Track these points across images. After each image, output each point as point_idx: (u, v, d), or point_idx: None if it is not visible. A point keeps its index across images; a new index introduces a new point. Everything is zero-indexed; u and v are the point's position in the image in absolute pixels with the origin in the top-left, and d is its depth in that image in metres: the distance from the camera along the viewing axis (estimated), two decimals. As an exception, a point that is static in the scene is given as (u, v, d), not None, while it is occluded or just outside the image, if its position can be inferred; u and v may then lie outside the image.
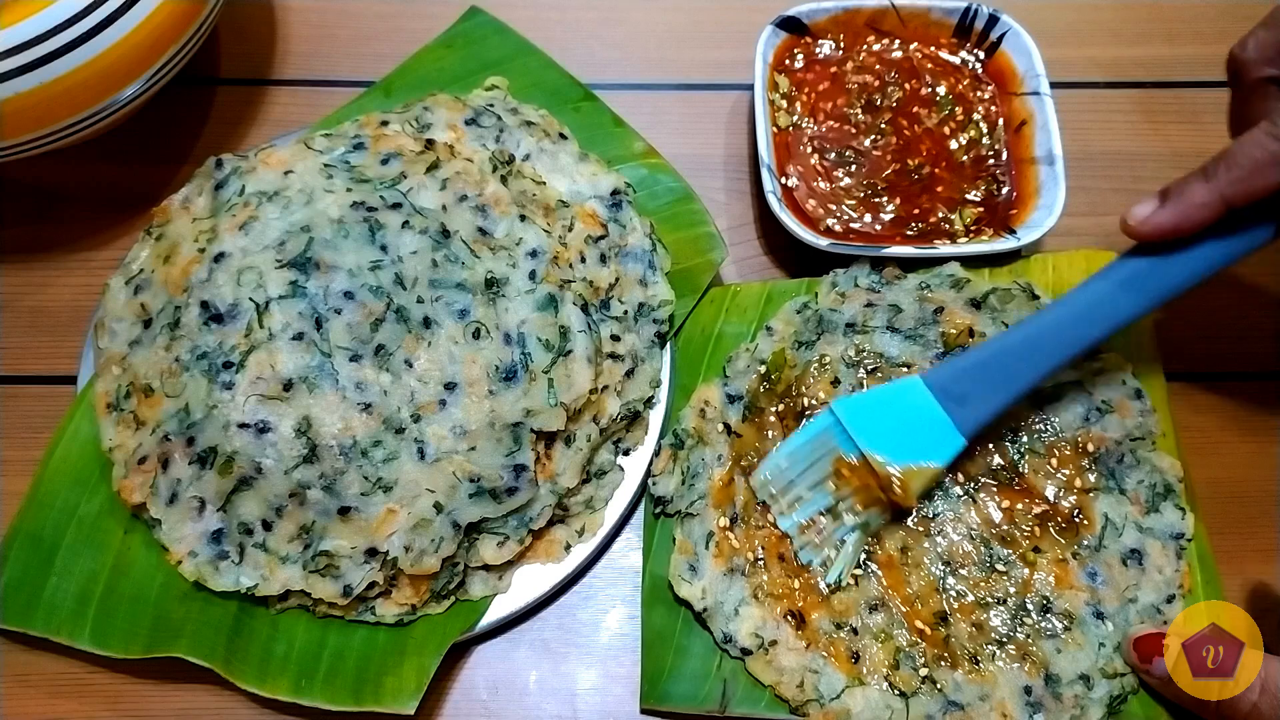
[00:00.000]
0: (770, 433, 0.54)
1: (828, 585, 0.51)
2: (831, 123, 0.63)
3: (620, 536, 0.55)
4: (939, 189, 0.62)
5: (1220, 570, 0.52)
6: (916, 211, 0.61)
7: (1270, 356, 0.60)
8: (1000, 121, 0.63)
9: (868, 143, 0.63)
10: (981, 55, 0.65)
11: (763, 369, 0.56)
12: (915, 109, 0.64)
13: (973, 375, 0.51)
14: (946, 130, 0.63)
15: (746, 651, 0.50)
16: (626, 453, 0.55)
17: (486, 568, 0.51)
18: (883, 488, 0.50)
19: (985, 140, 0.63)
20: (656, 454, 0.55)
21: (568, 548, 0.52)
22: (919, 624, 0.50)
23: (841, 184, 0.62)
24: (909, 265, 0.58)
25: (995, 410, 0.50)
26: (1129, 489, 0.52)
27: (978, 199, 0.61)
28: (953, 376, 0.51)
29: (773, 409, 0.55)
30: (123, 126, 0.59)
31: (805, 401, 0.55)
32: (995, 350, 0.51)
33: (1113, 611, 0.50)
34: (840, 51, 0.65)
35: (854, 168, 0.62)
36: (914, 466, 0.50)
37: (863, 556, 0.51)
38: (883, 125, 0.63)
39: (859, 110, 0.64)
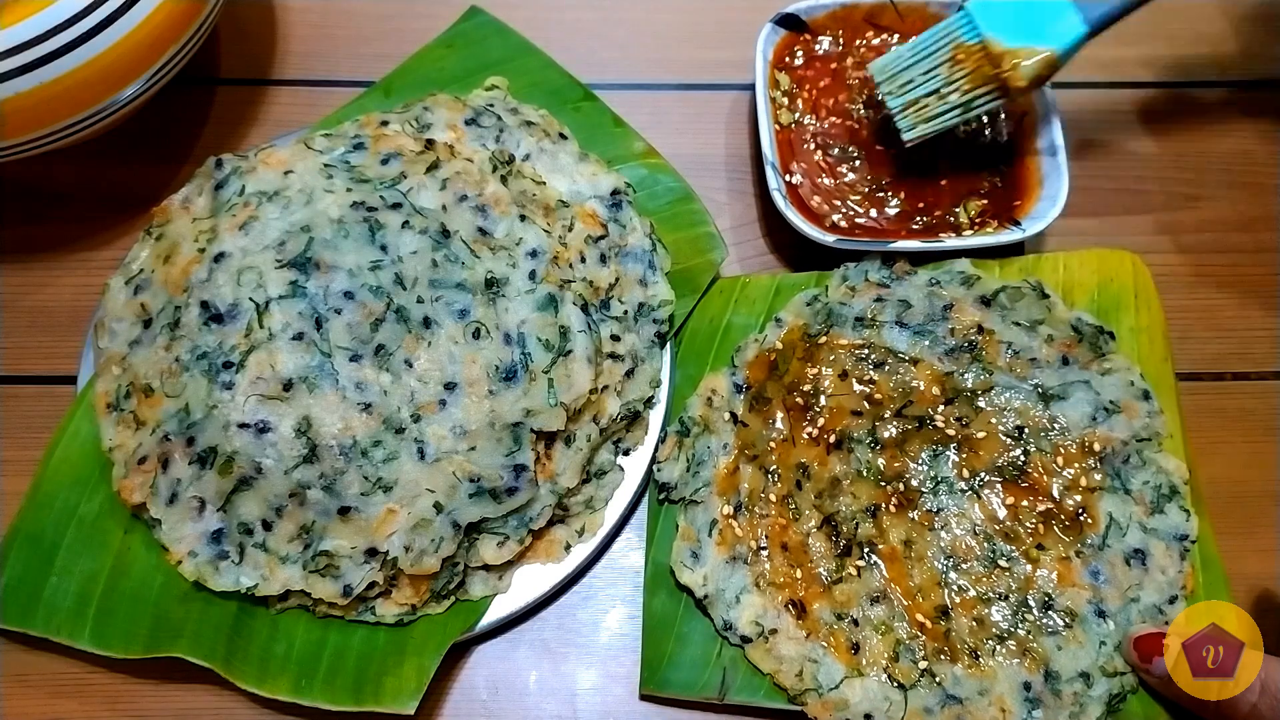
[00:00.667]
0: (776, 423, 0.54)
1: (906, 141, 0.56)
2: (833, 119, 0.63)
3: (620, 536, 0.55)
4: (943, 183, 0.62)
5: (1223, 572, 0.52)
6: (921, 205, 0.61)
7: (1270, 356, 0.60)
8: (1002, 115, 0.63)
9: (865, 139, 0.63)
10: None
11: (771, 359, 0.56)
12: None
13: None
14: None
15: (746, 639, 0.50)
16: (626, 453, 0.55)
17: (486, 568, 0.51)
18: (996, 66, 0.53)
19: (987, 133, 0.63)
20: (662, 441, 0.55)
21: (568, 548, 0.52)
22: (920, 617, 0.50)
23: (845, 179, 0.62)
24: (919, 261, 0.58)
25: (1123, 4, 0.53)
26: (1134, 489, 0.52)
27: (982, 192, 0.61)
28: None
29: (779, 399, 0.55)
30: (123, 126, 0.59)
31: (812, 392, 0.55)
32: None
33: (1114, 610, 0.50)
34: (840, 47, 0.65)
35: (857, 163, 0.62)
36: (1029, 47, 0.53)
37: (866, 548, 0.52)
38: (884, 119, 0.63)
39: (860, 106, 0.64)
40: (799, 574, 0.51)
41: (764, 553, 0.52)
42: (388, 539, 0.48)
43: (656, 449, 0.55)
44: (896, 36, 0.65)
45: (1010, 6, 0.54)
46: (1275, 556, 0.55)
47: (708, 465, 0.53)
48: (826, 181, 0.62)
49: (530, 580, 0.52)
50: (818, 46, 0.65)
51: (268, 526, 0.49)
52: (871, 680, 0.49)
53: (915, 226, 0.60)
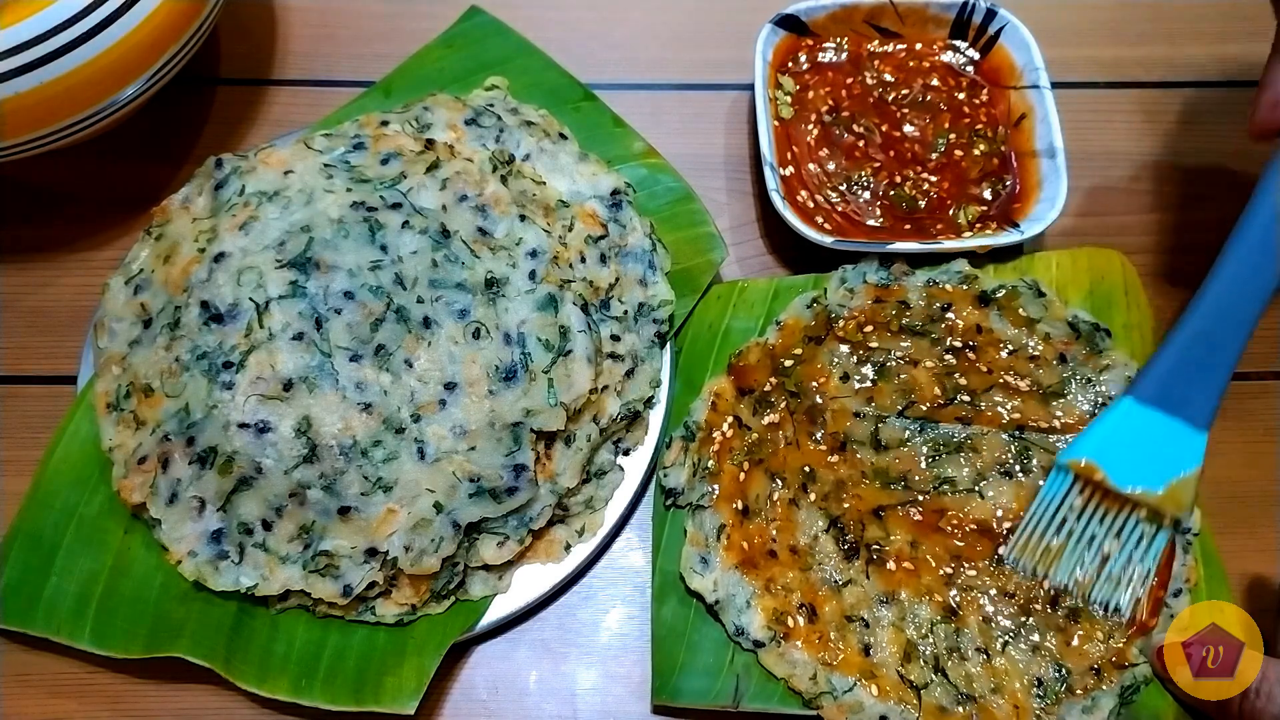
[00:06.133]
0: (780, 426, 0.54)
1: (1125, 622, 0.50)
2: (835, 124, 0.63)
3: (620, 536, 0.55)
4: (944, 185, 0.62)
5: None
6: (921, 205, 0.61)
7: (1270, 356, 0.60)
8: (1000, 126, 0.63)
9: (867, 144, 0.63)
10: (977, 55, 0.65)
11: (772, 362, 0.56)
12: (919, 110, 0.64)
13: (1183, 372, 0.50)
14: (947, 125, 0.63)
15: (759, 644, 0.50)
16: (626, 453, 0.55)
17: (486, 568, 0.51)
18: (1156, 515, 0.50)
19: (989, 136, 0.63)
20: (667, 446, 0.55)
21: (568, 548, 0.52)
22: (930, 616, 0.50)
23: (845, 182, 0.62)
24: (916, 262, 0.58)
25: (1220, 391, 0.50)
26: None
27: (981, 195, 0.61)
28: (1163, 382, 0.50)
29: (782, 403, 0.55)
30: (123, 126, 0.59)
31: (814, 395, 0.55)
32: (1191, 336, 0.50)
33: (1123, 604, 0.50)
34: (844, 54, 0.65)
35: (859, 167, 0.62)
36: (1176, 481, 0.49)
37: (873, 550, 0.52)
38: (886, 126, 0.63)
39: (863, 111, 0.64)
40: (809, 577, 0.51)
41: (774, 556, 0.52)
42: (388, 539, 0.48)
43: (657, 451, 0.55)
44: (902, 47, 0.65)
45: (1115, 452, 0.50)
46: (1275, 556, 0.55)
47: (714, 470, 0.53)
48: (825, 183, 0.62)
49: (530, 580, 0.52)
50: (822, 54, 0.65)
51: (268, 526, 0.49)
52: (885, 681, 0.49)
53: (913, 228, 0.60)
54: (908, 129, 0.63)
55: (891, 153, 0.63)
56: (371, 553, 0.48)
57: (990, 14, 0.64)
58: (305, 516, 0.49)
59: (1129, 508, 0.50)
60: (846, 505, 0.53)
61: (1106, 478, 0.50)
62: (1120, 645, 0.49)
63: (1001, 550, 0.51)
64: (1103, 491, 0.50)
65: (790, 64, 0.65)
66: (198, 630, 0.49)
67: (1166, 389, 0.50)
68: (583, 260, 0.55)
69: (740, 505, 0.53)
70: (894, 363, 0.55)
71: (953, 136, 0.63)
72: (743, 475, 0.53)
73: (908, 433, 0.54)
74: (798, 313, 0.57)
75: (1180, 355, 0.50)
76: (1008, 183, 0.61)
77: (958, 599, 0.50)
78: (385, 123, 0.58)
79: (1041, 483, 0.52)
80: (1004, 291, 0.57)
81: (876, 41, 0.66)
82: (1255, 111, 0.51)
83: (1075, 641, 0.49)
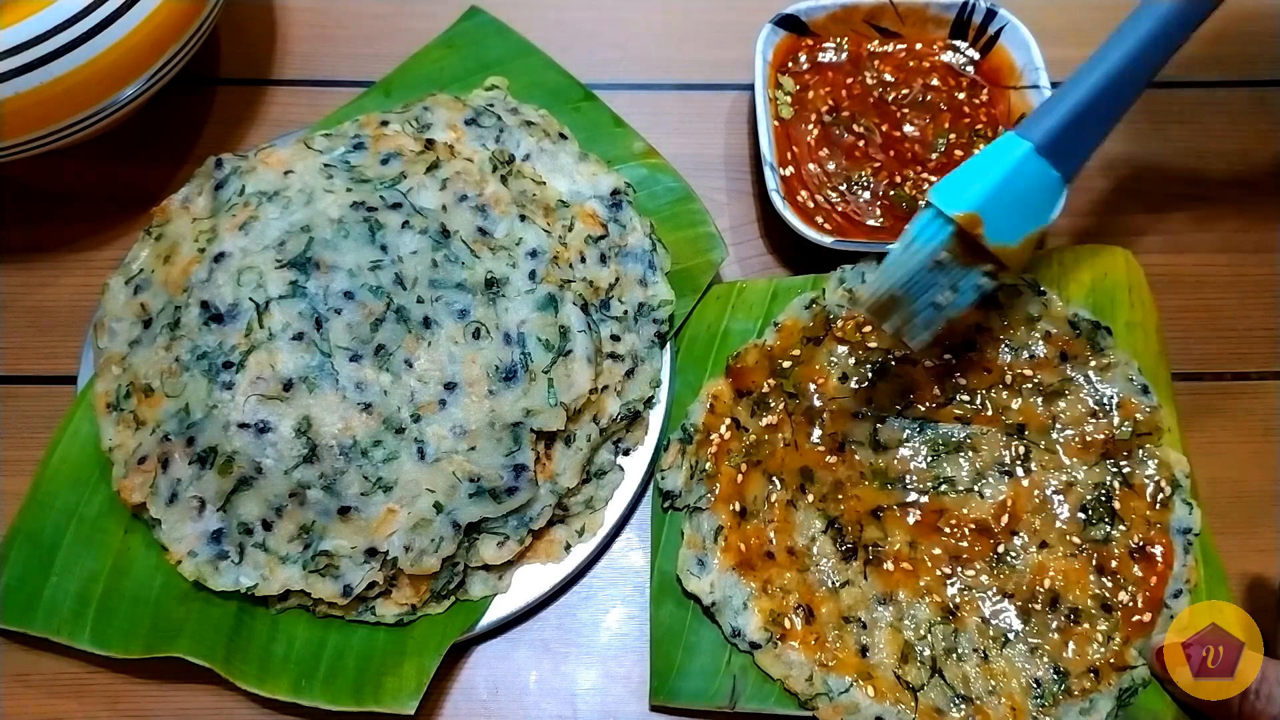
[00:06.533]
0: (778, 428, 0.54)
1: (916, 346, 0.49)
2: (835, 124, 0.63)
3: (620, 536, 0.55)
4: None
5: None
6: (921, 205, 0.61)
7: (1270, 356, 0.60)
8: (1000, 126, 0.63)
9: (867, 144, 0.63)
10: (977, 55, 0.65)
11: (771, 364, 0.56)
12: (919, 110, 0.64)
13: (1076, 128, 0.48)
14: (947, 125, 0.63)
15: (755, 645, 0.50)
16: (626, 453, 0.55)
17: (486, 568, 0.51)
18: (976, 256, 0.47)
19: (989, 136, 0.63)
20: (665, 448, 0.55)
21: (568, 548, 0.52)
22: (928, 617, 0.50)
23: (845, 182, 0.62)
24: None
25: (1089, 154, 0.49)
26: (1136, 484, 0.52)
27: None
28: (1058, 134, 0.48)
29: (780, 404, 0.55)
30: (123, 126, 0.59)
31: (812, 396, 0.55)
32: (1094, 93, 0.48)
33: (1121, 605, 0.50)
34: (844, 54, 0.65)
35: (859, 167, 0.62)
36: (1029, 235, 0.48)
37: (871, 550, 0.52)
38: (886, 126, 0.63)
39: (863, 111, 0.64)
40: (806, 578, 0.51)
41: (771, 557, 0.52)
42: (388, 539, 0.48)
43: (657, 453, 0.55)
44: (902, 48, 0.65)
45: (978, 190, 0.47)
46: (1275, 556, 0.55)
47: (711, 472, 0.53)
48: (825, 182, 0.62)
49: (530, 580, 0.52)
50: (822, 54, 0.65)
51: (268, 526, 0.49)
52: (882, 682, 0.49)
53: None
54: (908, 129, 0.63)
55: (891, 153, 0.63)
56: (371, 553, 0.48)
57: (990, 14, 0.64)
58: (305, 516, 0.49)
59: (979, 260, 0.48)
60: (844, 506, 0.53)
61: (984, 234, 0.46)
62: (1118, 648, 0.49)
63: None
64: (967, 245, 0.47)
65: (790, 64, 0.65)
66: (197, 630, 0.49)
67: (1059, 141, 0.48)
68: (583, 260, 0.55)
69: (738, 507, 0.53)
70: (893, 363, 0.55)
71: (953, 136, 0.63)
72: (740, 477, 0.53)
73: (907, 433, 0.54)
74: (796, 314, 0.57)
75: (1079, 110, 0.48)
76: None
77: (956, 599, 0.51)
78: (385, 123, 0.58)
79: (1043, 482, 0.52)
80: (1003, 290, 0.57)
81: (876, 41, 0.66)
82: None
83: (1073, 643, 0.49)
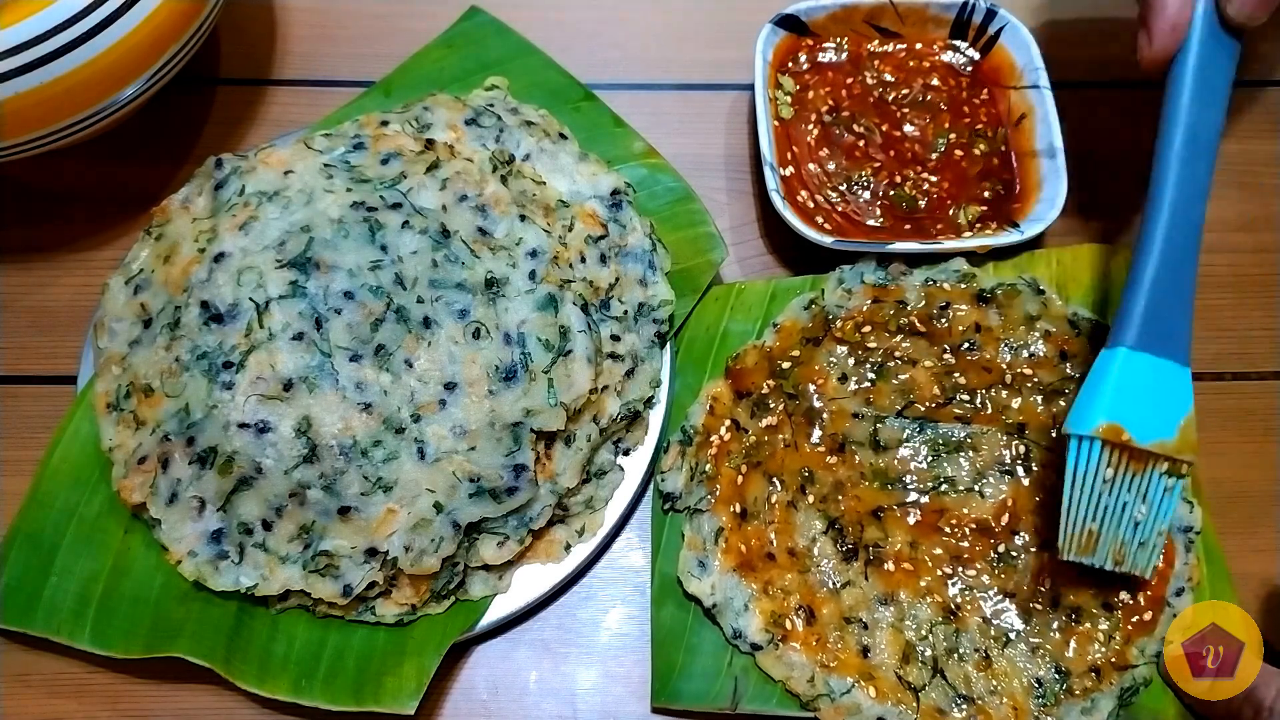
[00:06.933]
0: (778, 429, 0.54)
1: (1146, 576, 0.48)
2: (835, 124, 0.63)
3: (620, 536, 0.55)
4: (944, 185, 0.62)
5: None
6: (921, 205, 0.61)
7: (1270, 356, 0.60)
8: (1000, 126, 0.63)
9: (867, 144, 0.63)
10: (977, 55, 0.65)
11: (770, 364, 0.56)
12: (919, 110, 0.64)
13: (1158, 311, 0.48)
14: (947, 125, 0.63)
15: (756, 647, 0.50)
16: (626, 453, 0.55)
17: (486, 568, 0.51)
18: (1174, 465, 0.47)
19: (989, 136, 0.63)
20: (665, 450, 0.55)
21: (568, 548, 0.52)
22: (929, 617, 0.50)
23: (845, 182, 0.62)
24: (915, 261, 0.58)
25: (1191, 319, 0.49)
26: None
27: (981, 195, 0.61)
28: (1144, 326, 0.48)
29: (780, 405, 0.55)
30: (123, 126, 0.59)
31: (812, 397, 0.55)
32: (1155, 272, 0.48)
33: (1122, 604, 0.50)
34: (844, 54, 0.65)
35: (859, 167, 0.62)
36: (1183, 423, 0.48)
37: (872, 551, 0.52)
38: (886, 126, 0.63)
39: (863, 111, 0.64)
40: (807, 579, 0.51)
41: (771, 559, 0.52)
42: (388, 539, 0.48)
43: (657, 453, 0.55)
44: (902, 47, 0.65)
45: (1125, 402, 0.47)
46: (1275, 556, 0.55)
47: (711, 474, 0.53)
48: (825, 182, 0.62)
49: (530, 580, 0.52)
50: (822, 54, 0.65)
51: (268, 526, 0.49)
52: (883, 683, 0.49)
53: (913, 228, 0.60)
54: (908, 129, 0.63)
55: (891, 153, 0.63)
56: (371, 553, 0.48)
57: (990, 14, 0.64)
58: (305, 516, 0.49)
59: (1150, 463, 0.47)
60: (845, 507, 0.53)
61: (1132, 437, 0.46)
62: (1120, 647, 0.49)
63: (1014, 544, 0.50)
64: (1128, 453, 0.47)
65: (790, 64, 0.65)
66: (197, 630, 0.49)
67: (1149, 331, 0.48)
68: (583, 260, 0.55)
69: (738, 508, 0.52)
70: (893, 363, 0.55)
71: (953, 136, 0.63)
72: (740, 478, 0.53)
73: (907, 433, 0.54)
74: (795, 314, 0.57)
75: (1151, 294, 0.48)
76: (1008, 182, 0.61)
77: (957, 599, 0.51)
78: (385, 123, 0.58)
79: (1044, 482, 0.52)
80: (1003, 289, 0.57)
81: (876, 41, 0.66)
82: (1151, 40, 0.49)
83: (1075, 642, 0.49)
